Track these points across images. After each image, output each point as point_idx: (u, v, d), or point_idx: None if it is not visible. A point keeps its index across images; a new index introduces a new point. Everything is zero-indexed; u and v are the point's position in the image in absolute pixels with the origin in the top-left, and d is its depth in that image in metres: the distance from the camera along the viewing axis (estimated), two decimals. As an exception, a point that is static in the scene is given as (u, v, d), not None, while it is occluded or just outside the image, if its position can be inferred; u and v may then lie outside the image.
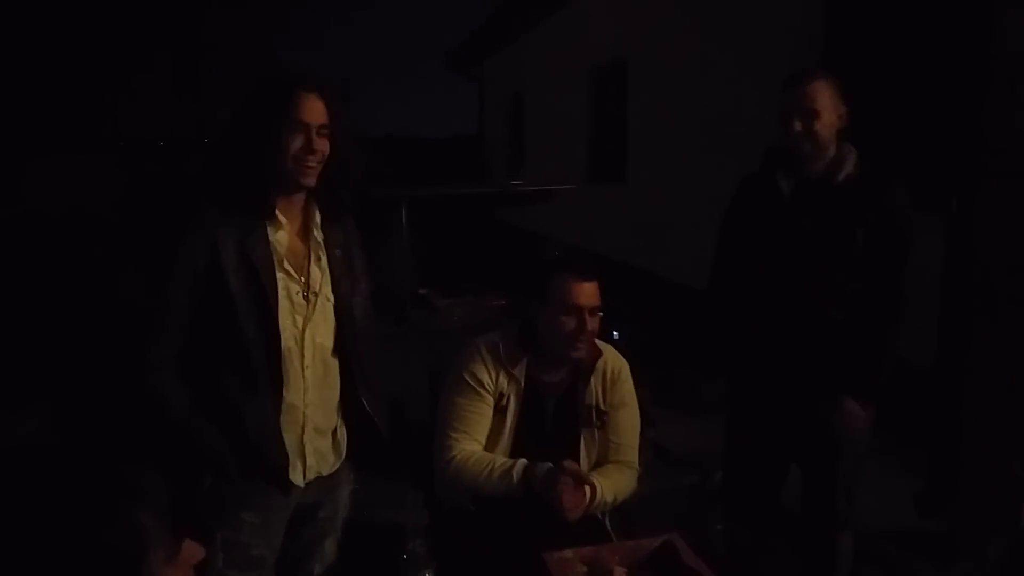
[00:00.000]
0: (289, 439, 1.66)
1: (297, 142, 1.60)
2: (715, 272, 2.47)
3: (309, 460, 1.72)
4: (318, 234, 1.73)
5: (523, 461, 1.94)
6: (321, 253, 1.73)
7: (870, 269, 2.16)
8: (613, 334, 3.43)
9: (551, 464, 1.90)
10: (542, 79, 11.12)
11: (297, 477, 1.70)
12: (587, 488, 1.92)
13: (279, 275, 1.63)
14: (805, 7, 4.82)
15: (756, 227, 2.28)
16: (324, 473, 1.78)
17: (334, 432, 1.79)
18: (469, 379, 2.04)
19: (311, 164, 1.63)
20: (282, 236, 1.66)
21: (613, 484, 2.02)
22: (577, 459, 2.06)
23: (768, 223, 2.24)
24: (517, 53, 12.32)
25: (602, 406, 2.09)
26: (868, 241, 2.14)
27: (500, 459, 1.98)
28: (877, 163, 2.21)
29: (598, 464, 2.09)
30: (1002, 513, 2.79)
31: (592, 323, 2.01)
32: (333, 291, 1.73)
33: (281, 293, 1.63)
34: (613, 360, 2.14)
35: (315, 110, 1.62)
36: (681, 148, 6.80)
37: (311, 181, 1.65)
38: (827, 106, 2.13)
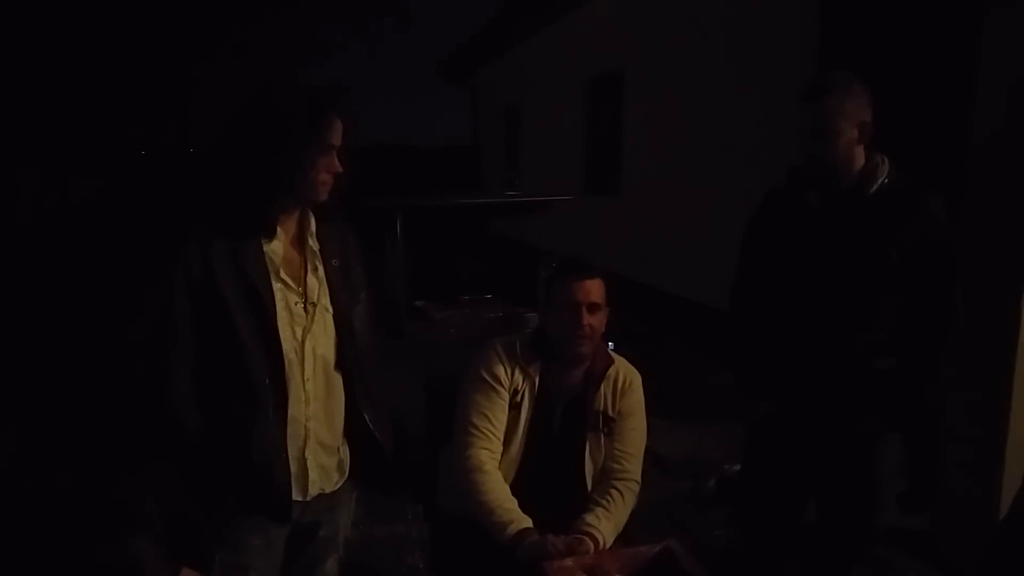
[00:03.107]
0: (291, 453, 1.64)
1: (326, 165, 1.61)
2: (738, 291, 2.36)
3: (312, 475, 1.70)
4: (313, 244, 1.71)
5: (518, 525, 1.92)
6: (318, 263, 1.71)
7: (912, 288, 2.04)
8: (609, 344, 3.44)
9: (539, 539, 1.87)
10: (537, 90, 11.16)
11: (298, 494, 1.68)
12: (591, 545, 1.90)
13: (276, 285, 1.61)
14: (800, 16, 4.87)
15: (782, 243, 2.18)
16: (327, 491, 1.76)
17: (338, 449, 1.77)
18: (487, 376, 2.09)
19: (330, 184, 1.64)
20: (277, 246, 1.63)
21: (616, 522, 2.02)
22: (582, 463, 2.10)
23: (795, 238, 2.14)
24: (511, 63, 12.37)
25: (610, 412, 2.13)
26: (904, 258, 2.00)
27: (505, 504, 1.97)
28: (912, 172, 2.09)
29: (603, 472, 2.11)
30: (981, 513, 2.84)
31: (591, 319, 2.05)
32: (331, 302, 1.71)
33: (279, 304, 1.61)
34: (625, 370, 2.18)
35: (340, 132, 1.63)
36: (676, 161, 6.84)
37: (325, 198, 1.66)
38: (845, 123, 2.00)
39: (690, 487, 3.70)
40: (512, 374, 2.10)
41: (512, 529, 1.91)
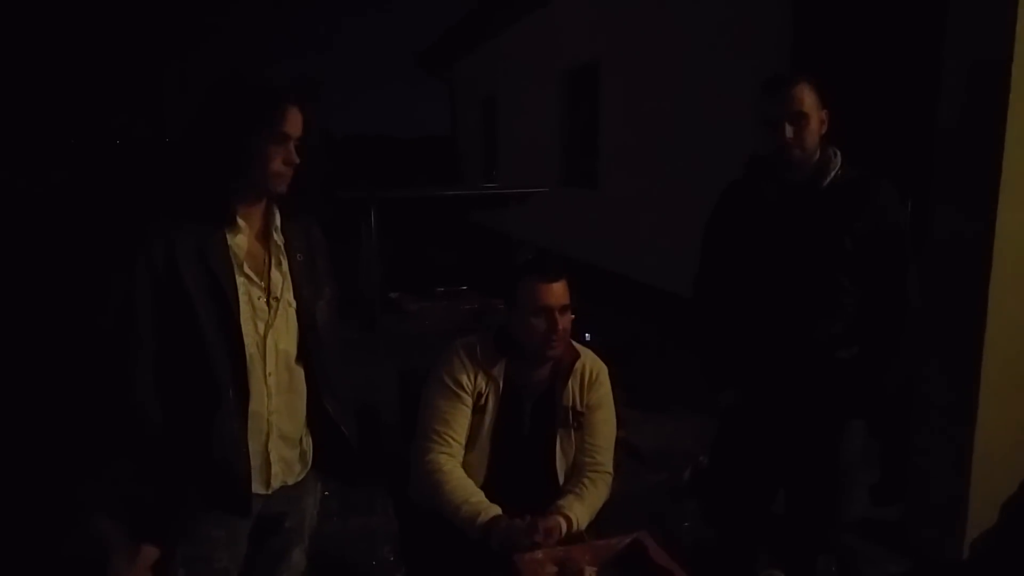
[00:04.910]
0: (253, 447, 1.63)
1: (279, 155, 1.58)
2: (700, 282, 2.38)
3: (274, 468, 1.70)
4: (278, 238, 1.69)
5: (487, 515, 1.91)
6: (282, 257, 1.69)
7: (868, 276, 2.08)
8: (585, 336, 3.45)
9: (511, 522, 1.86)
10: (514, 81, 11.12)
11: (260, 487, 1.67)
12: (563, 522, 1.91)
13: (239, 279, 1.60)
14: (776, 6, 4.87)
15: (740, 234, 2.21)
16: (289, 482, 1.75)
17: (300, 440, 1.76)
18: (448, 380, 2.06)
19: (286, 175, 1.61)
20: (241, 240, 1.62)
21: (589, 506, 2.02)
22: (553, 459, 2.08)
23: (753, 230, 2.17)
24: (489, 55, 12.32)
25: (579, 407, 2.11)
26: (859, 248, 2.04)
27: (471, 499, 1.96)
28: (864, 166, 2.13)
29: (575, 466, 2.10)
30: (951, 503, 2.87)
31: (563, 321, 2.02)
32: (295, 296, 1.70)
33: (242, 298, 1.60)
34: (592, 363, 2.16)
35: (297, 123, 1.60)
36: (652, 152, 6.85)
37: (283, 189, 1.64)
38: (813, 110, 2.05)
39: (666, 478, 3.71)
40: (475, 378, 2.07)
41: (481, 520, 1.90)
